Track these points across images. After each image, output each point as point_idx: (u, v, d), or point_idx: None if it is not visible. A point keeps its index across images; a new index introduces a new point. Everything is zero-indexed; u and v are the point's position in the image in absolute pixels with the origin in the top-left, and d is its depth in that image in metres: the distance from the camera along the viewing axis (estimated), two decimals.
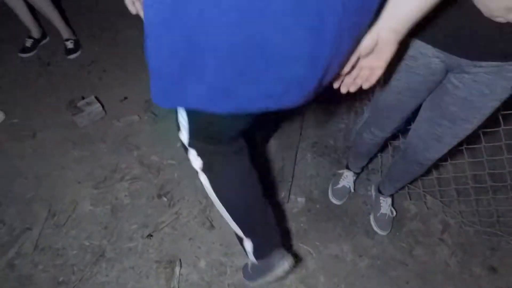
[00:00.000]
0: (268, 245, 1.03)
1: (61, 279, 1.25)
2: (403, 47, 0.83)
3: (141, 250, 1.35)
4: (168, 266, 1.31)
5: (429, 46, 0.81)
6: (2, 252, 1.29)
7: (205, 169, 0.86)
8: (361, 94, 2.07)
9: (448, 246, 1.44)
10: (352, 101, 2.04)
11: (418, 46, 0.83)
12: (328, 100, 2.04)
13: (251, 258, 1.06)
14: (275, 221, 1.08)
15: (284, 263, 1.00)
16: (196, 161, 0.85)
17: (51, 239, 1.35)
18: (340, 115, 1.96)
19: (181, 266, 1.31)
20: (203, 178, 0.88)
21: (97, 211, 1.44)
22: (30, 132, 1.68)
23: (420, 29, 0.77)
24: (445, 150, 1.04)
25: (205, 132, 0.80)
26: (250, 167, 0.92)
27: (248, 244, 1.02)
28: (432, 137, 1.01)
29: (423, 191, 1.54)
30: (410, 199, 1.57)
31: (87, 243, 1.35)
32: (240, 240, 1.06)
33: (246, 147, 0.90)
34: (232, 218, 0.96)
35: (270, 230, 1.05)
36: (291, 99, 0.64)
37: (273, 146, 1.75)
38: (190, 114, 0.75)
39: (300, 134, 1.80)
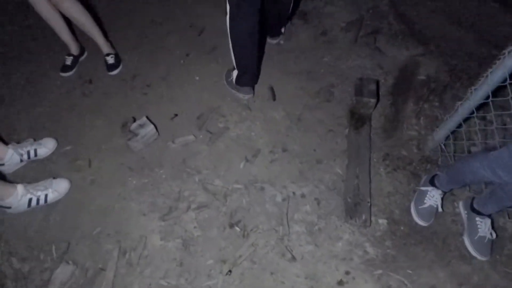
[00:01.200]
0: (247, 82, 1.79)
1: None
2: None
3: None
4: None
5: None
6: None
7: (230, 17, 1.47)
8: (429, 96, 1.89)
9: None
10: (419, 104, 1.86)
11: None
12: (392, 103, 1.87)
13: (234, 78, 1.79)
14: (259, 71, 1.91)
15: (248, 93, 1.82)
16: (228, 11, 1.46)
17: (126, 279, 1.27)
18: (408, 120, 1.79)
19: None
20: (227, 19, 1.49)
21: (169, 246, 1.35)
22: (85, 161, 1.59)
23: None
24: None
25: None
26: (256, 27, 1.52)
27: (235, 73, 1.76)
28: None
29: None
30: (509, 218, 1.41)
31: (165, 283, 1.26)
32: (233, 68, 1.76)
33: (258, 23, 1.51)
34: (234, 53, 1.64)
35: (254, 74, 1.81)
36: None
37: (344, 161, 1.61)
38: None
39: (370, 146, 1.65)
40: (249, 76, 1.77)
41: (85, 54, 2.08)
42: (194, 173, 1.56)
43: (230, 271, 1.28)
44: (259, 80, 1.96)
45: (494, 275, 1.29)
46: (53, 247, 1.33)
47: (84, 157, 1.61)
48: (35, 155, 1.57)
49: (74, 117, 1.78)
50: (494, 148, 1.42)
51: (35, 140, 1.62)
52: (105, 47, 1.96)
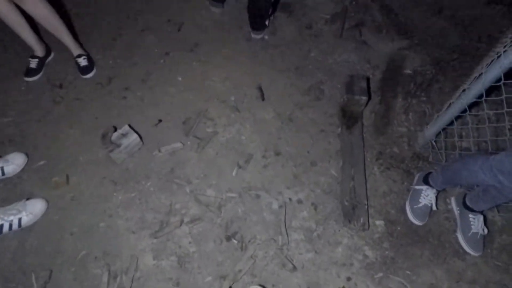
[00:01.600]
0: None
1: None
2: None
3: None
4: None
5: None
6: None
7: None
8: (416, 91, 1.89)
9: None
10: (407, 99, 1.85)
11: None
12: (381, 99, 1.85)
13: None
14: None
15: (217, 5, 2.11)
16: None
17: None
18: (398, 116, 1.78)
19: None
20: None
21: (163, 265, 1.27)
22: (62, 176, 1.45)
23: None
24: None
25: None
26: None
27: None
28: None
29: None
30: (498, 212, 1.45)
31: None
32: None
33: None
34: None
35: None
36: None
37: (338, 162, 1.58)
38: None
39: (363, 145, 1.63)
40: None
41: (52, 55, 1.88)
42: (184, 184, 1.47)
43: (230, 287, 1.23)
44: (247, 79, 1.87)
45: (486, 269, 1.33)
46: (33, 277, 1.21)
47: (60, 172, 1.47)
48: (2, 173, 1.41)
49: (45, 128, 1.62)
50: (486, 149, 1.45)
51: (0, 156, 1.45)
52: (75, 49, 1.77)
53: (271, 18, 2.14)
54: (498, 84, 1.18)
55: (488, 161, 1.07)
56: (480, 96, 1.27)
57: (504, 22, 2.19)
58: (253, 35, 2.10)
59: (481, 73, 1.23)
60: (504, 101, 1.20)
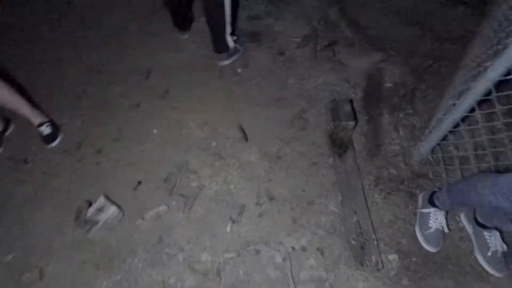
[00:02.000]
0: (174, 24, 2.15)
1: None
2: None
3: None
4: None
5: None
6: None
7: None
8: (401, 104, 1.84)
9: None
10: (394, 114, 1.79)
11: None
12: (368, 119, 1.79)
13: None
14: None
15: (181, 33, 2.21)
16: None
17: None
18: (388, 134, 1.71)
19: None
20: None
21: None
22: (35, 271, 1.28)
23: None
24: None
25: None
26: None
27: None
28: None
29: None
30: None
31: None
32: None
33: None
34: None
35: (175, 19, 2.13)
36: None
37: (336, 196, 1.48)
38: None
39: (359, 173, 1.53)
40: (173, 19, 2.14)
41: (11, 127, 1.73)
42: (176, 252, 1.33)
43: None
44: (226, 120, 1.77)
45: None
46: None
47: (32, 266, 1.29)
48: None
49: (10, 214, 1.45)
50: (484, 156, 1.38)
51: None
52: (35, 117, 1.63)
53: (241, 49, 2.07)
54: (489, 98, 1.13)
55: (497, 183, 0.99)
56: (472, 110, 1.21)
57: (470, 22, 2.20)
58: (220, 63, 2.01)
59: (469, 88, 1.17)
60: (500, 114, 1.14)
